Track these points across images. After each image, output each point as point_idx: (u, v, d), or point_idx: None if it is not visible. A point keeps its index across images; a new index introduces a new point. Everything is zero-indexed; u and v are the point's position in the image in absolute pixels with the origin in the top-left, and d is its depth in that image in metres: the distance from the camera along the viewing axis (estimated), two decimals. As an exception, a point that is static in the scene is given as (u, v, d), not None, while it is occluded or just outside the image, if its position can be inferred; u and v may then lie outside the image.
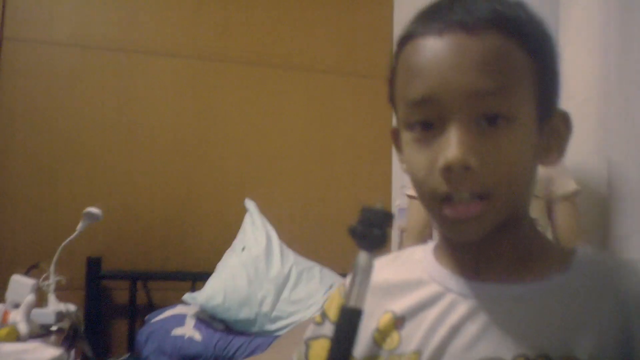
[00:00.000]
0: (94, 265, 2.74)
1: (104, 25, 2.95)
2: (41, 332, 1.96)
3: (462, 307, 0.76)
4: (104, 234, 2.79)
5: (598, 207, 1.90)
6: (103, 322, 2.81)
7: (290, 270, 2.68)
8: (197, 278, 2.75)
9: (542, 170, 1.75)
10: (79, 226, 2.44)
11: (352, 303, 0.64)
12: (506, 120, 0.70)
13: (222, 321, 2.53)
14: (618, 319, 0.71)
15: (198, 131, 3.03)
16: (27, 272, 2.18)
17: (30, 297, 1.87)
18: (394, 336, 0.79)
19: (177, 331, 2.48)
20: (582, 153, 1.93)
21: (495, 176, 0.70)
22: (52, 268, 2.48)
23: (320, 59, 3.25)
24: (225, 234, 2.79)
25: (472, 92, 0.70)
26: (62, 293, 2.55)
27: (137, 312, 2.79)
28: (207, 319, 2.54)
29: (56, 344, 1.88)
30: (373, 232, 0.64)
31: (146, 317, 2.68)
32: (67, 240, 2.45)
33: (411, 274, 0.82)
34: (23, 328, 1.77)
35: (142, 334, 2.54)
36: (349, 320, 0.64)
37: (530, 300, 0.74)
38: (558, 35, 2.00)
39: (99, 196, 2.80)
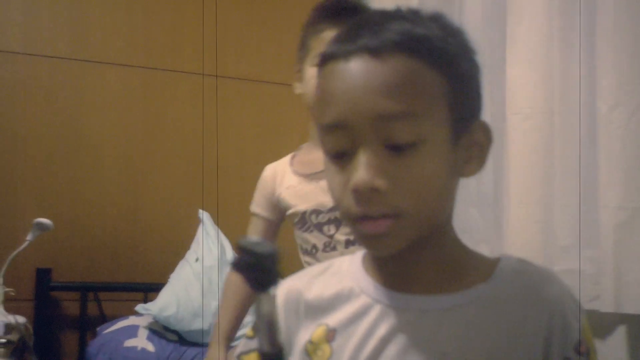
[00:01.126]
0: (43, 276, 2.71)
1: (53, 33, 2.93)
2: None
3: (391, 319, 0.77)
4: (53, 245, 2.74)
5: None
6: (53, 334, 2.76)
7: (244, 281, 2.68)
8: (149, 289, 2.73)
9: None
10: (29, 236, 2.39)
11: (267, 349, 0.63)
12: (414, 145, 0.72)
13: (175, 332, 2.53)
14: (542, 327, 0.74)
15: (148, 142, 3.01)
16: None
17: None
18: (325, 349, 0.80)
19: (130, 342, 2.46)
20: (525, 167, 1.99)
21: (404, 197, 0.72)
22: (0, 279, 2.44)
23: (270, 71, 3.26)
24: (176, 245, 2.78)
25: (377, 116, 0.71)
26: (11, 305, 2.51)
27: (88, 324, 2.75)
28: (160, 330, 2.53)
29: (4, 356, 1.86)
30: (264, 274, 0.62)
31: (98, 329, 2.65)
32: (17, 251, 2.40)
33: (342, 286, 0.83)
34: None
35: (93, 345, 2.51)
36: None
37: (455, 311, 0.76)
38: (504, 51, 2.07)
39: (48, 207, 2.75)
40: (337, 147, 0.74)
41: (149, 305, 2.52)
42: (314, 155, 1.50)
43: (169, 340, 2.50)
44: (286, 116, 3.25)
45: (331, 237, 1.56)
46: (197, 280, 2.58)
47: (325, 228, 1.56)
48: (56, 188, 2.84)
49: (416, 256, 0.78)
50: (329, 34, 1.48)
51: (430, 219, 0.76)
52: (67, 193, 2.85)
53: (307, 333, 0.83)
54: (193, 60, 3.11)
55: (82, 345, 2.71)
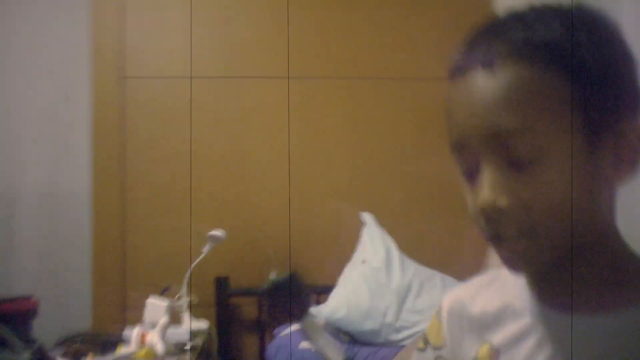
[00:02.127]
0: (222, 284, 2.87)
1: (210, 56, 3.10)
2: (176, 351, 2.08)
3: (551, 343, 0.74)
4: (229, 255, 2.91)
5: None
6: (234, 337, 2.93)
7: (411, 280, 2.68)
8: (321, 291, 2.81)
9: None
10: (205, 248, 2.57)
11: None
12: (535, 159, 0.67)
13: (347, 333, 2.58)
14: None
15: (307, 147, 3.11)
16: (161, 294, 2.31)
17: (165, 319, 1.99)
18: None
19: (305, 344, 2.54)
20: None
21: (532, 215, 0.68)
22: (184, 288, 2.63)
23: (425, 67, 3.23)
24: (344, 248, 2.84)
25: (493, 133, 0.68)
26: (195, 311, 2.69)
27: (265, 327, 2.88)
28: (333, 331, 2.59)
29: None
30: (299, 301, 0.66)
31: (274, 331, 2.77)
32: (195, 262, 2.58)
33: (507, 301, 0.80)
34: (160, 348, 1.89)
35: (271, 348, 2.62)
36: None
37: (611, 333, 0.71)
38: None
39: (221, 220, 2.93)
40: (466, 166, 0.73)
41: (321, 307, 2.59)
42: None
43: (342, 341, 2.55)
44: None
45: None
46: (365, 282, 2.62)
47: None
48: (228, 201, 3.01)
49: (574, 272, 0.73)
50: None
51: (567, 235, 0.70)
52: (238, 205, 3.01)
53: (473, 348, 0.82)
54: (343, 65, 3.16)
55: (262, 347, 2.84)
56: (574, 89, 0.68)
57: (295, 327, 2.64)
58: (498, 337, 0.79)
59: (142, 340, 1.94)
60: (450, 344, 0.86)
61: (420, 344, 0.90)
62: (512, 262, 0.72)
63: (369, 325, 2.54)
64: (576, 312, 0.73)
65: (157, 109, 3.05)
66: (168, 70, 3.06)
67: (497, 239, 0.71)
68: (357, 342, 2.56)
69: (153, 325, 2.07)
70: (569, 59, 0.68)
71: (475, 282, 0.88)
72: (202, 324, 2.59)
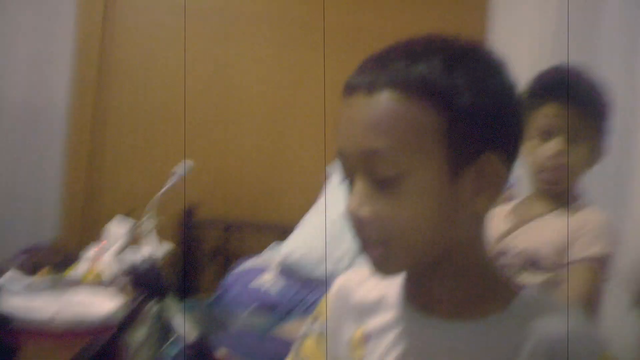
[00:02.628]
0: (189, 213, 2.96)
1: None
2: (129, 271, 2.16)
3: (406, 341, 0.81)
4: (200, 184, 2.98)
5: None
6: (196, 266, 3.04)
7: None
8: (283, 232, 2.90)
9: (556, 237, 1.61)
10: (172, 179, 2.63)
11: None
12: (396, 178, 0.74)
13: (300, 276, 2.67)
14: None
15: (293, 92, 3.14)
16: (127, 215, 2.39)
17: (119, 242, 2.07)
18: (361, 350, 0.86)
19: (256, 282, 2.63)
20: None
21: (387, 227, 0.75)
22: (151, 213, 2.70)
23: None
24: (308, 195, 2.91)
25: (361, 150, 0.75)
26: (160, 237, 2.78)
27: (227, 259, 2.99)
28: (286, 272, 2.67)
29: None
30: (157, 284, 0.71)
31: (232, 266, 2.87)
32: (162, 190, 2.64)
33: (384, 293, 0.88)
34: (108, 272, 1.98)
35: (224, 282, 2.72)
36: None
37: (465, 340, 0.78)
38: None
39: (195, 149, 2.99)
40: (344, 175, 0.80)
41: (278, 248, 2.67)
42: (527, 205, 1.75)
43: (294, 283, 2.63)
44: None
45: None
46: (323, 230, 2.68)
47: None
48: (203, 131, 3.06)
49: (435, 280, 0.81)
50: (547, 110, 1.63)
51: (427, 248, 0.77)
52: (213, 137, 3.06)
53: (351, 330, 0.89)
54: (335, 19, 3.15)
55: (220, 277, 2.95)
56: (440, 120, 0.74)
57: (251, 263, 2.71)
58: (370, 324, 0.87)
59: (94, 262, 2.02)
60: (332, 322, 0.94)
61: (311, 318, 0.98)
62: (374, 265, 0.80)
63: (322, 270, 2.62)
64: (437, 316, 0.81)
65: (146, 25, 3.06)
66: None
67: (361, 243, 0.79)
68: (309, 285, 2.65)
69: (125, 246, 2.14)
70: (436, 92, 0.74)
71: (364, 269, 0.93)
72: (165, 247, 2.68)
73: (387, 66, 0.76)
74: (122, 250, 2.07)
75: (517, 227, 1.73)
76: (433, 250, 0.78)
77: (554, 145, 1.63)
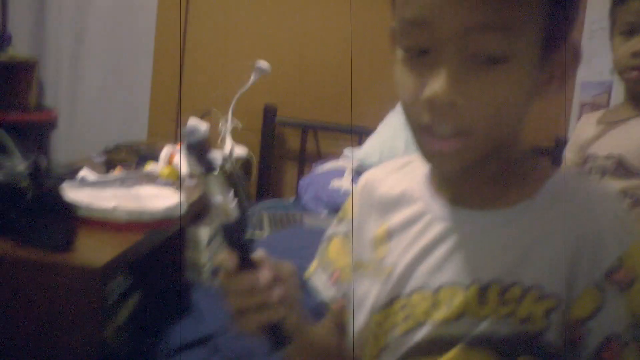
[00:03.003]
0: (269, 112, 2.97)
1: None
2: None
3: (435, 230, 0.76)
4: (280, 86, 2.98)
5: None
6: (276, 166, 3.07)
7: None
8: (364, 133, 2.87)
9: None
10: (251, 78, 2.63)
11: (224, 221, 0.72)
12: (502, 61, 0.64)
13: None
14: (569, 249, 0.69)
15: None
16: (201, 118, 2.42)
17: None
18: (384, 247, 0.81)
19: (335, 183, 2.65)
20: None
21: (479, 115, 0.65)
22: (229, 114, 2.74)
23: None
24: (386, 100, 2.83)
25: (467, 24, 0.63)
26: (239, 138, 2.83)
27: (306, 160, 3.00)
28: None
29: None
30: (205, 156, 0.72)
31: (313, 165, 2.88)
32: (242, 90, 2.66)
33: (409, 187, 0.82)
34: (184, 169, 2.02)
35: (303, 182, 2.75)
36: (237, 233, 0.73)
37: (495, 227, 0.73)
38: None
39: (276, 49, 2.97)
40: (417, 45, 0.67)
41: (356, 150, 2.66)
42: (619, 108, 1.67)
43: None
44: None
45: None
46: (404, 131, 2.64)
47: (594, 172, 1.63)
48: (283, 33, 3.01)
49: (474, 171, 0.73)
50: (634, 4, 1.53)
51: (499, 139, 0.69)
52: (293, 38, 3.01)
53: (375, 227, 0.85)
54: None
55: (299, 178, 2.98)
56: (549, 4, 0.66)
57: (330, 165, 2.72)
58: (394, 219, 0.82)
59: (170, 160, 2.06)
60: (357, 220, 0.88)
61: (337, 218, 0.93)
62: (437, 160, 0.71)
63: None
64: (466, 207, 0.76)
65: None
66: None
67: (429, 132, 0.68)
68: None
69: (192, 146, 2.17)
70: None
71: (391, 163, 0.90)
72: (241, 150, 2.72)
73: None
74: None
75: (605, 131, 1.67)
76: (498, 142, 0.70)
77: (636, 44, 1.52)
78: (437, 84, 0.64)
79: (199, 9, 3.03)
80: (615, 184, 1.58)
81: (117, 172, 1.97)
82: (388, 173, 0.87)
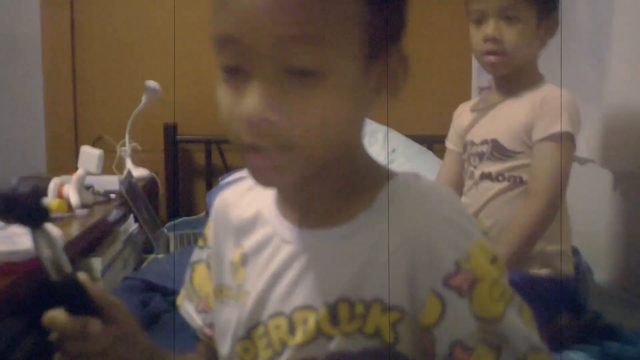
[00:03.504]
0: (169, 131, 2.91)
1: None
2: (101, 200, 2.15)
3: (284, 253, 0.75)
4: (178, 103, 2.91)
5: None
6: (183, 184, 3.02)
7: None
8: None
9: (516, 120, 1.57)
10: (143, 98, 2.58)
11: (56, 279, 0.69)
12: (318, 75, 0.63)
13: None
14: (405, 256, 0.68)
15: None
16: (92, 145, 2.36)
17: (81, 170, 2.03)
18: (241, 272, 0.80)
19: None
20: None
21: (299, 130, 0.64)
22: (127, 137, 2.68)
23: None
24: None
25: (276, 38, 0.62)
26: (143, 160, 2.77)
27: (213, 174, 2.96)
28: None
29: (110, 210, 2.07)
30: (33, 212, 0.67)
31: (219, 178, 2.84)
32: (135, 111, 2.60)
33: (260, 209, 0.81)
34: (74, 201, 1.96)
35: (210, 195, 2.70)
36: (70, 290, 0.70)
37: (337, 243, 0.72)
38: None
39: (170, 67, 2.91)
40: (230, 63, 0.66)
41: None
42: (490, 95, 1.73)
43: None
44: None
45: (474, 167, 1.68)
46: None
47: (472, 158, 1.70)
48: (179, 49, 2.95)
49: (311, 188, 0.73)
50: None
51: (326, 153, 0.68)
52: (191, 53, 2.96)
53: (231, 252, 0.82)
54: None
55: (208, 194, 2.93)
56: (363, 4, 0.64)
57: (235, 176, 2.67)
58: (248, 242, 0.80)
59: (59, 191, 1.99)
60: (215, 244, 0.86)
61: (200, 243, 0.91)
62: (261, 175, 0.70)
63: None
64: (310, 227, 0.74)
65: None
66: None
67: (251, 150, 0.66)
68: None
69: (87, 174, 2.10)
70: None
71: (244, 183, 0.86)
72: (141, 172, 2.66)
73: None
74: (83, 179, 2.03)
75: (478, 118, 1.71)
76: (336, 153, 0.69)
77: (485, 29, 1.58)
78: (250, 101, 0.63)
79: (85, 32, 2.95)
80: (493, 167, 1.62)
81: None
82: (241, 194, 0.85)
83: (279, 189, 0.75)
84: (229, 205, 0.85)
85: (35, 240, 0.67)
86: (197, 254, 0.90)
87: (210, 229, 0.88)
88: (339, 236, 0.72)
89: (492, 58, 1.60)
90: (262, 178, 0.70)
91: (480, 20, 1.61)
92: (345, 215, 0.72)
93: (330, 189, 0.74)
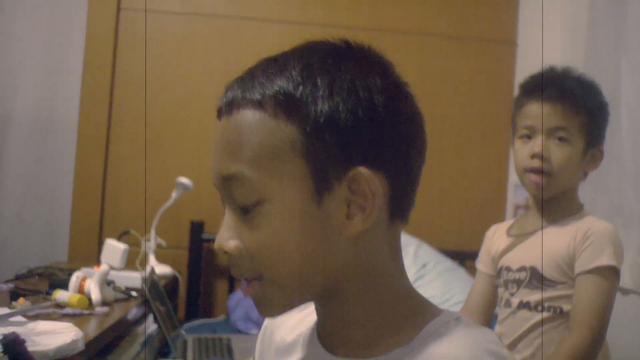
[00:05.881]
0: (196, 229, 2.87)
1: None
2: (122, 297, 2.08)
3: None
4: (205, 201, 2.90)
5: None
6: (205, 284, 2.95)
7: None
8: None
9: (557, 250, 1.52)
10: (173, 194, 2.56)
11: None
12: (257, 204, 0.67)
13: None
14: None
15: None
16: (118, 239, 2.31)
17: (105, 266, 1.98)
18: None
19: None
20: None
21: (256, 259, 0.68)
22: (152, 232, 2.64)
23: (433, 22, 3.09)
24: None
25: (219, 177, 0.70)
26: (166, 256, 2.72)
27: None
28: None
29: (130, 308, 2.00)
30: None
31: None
32: (164, 207, 2.58)
33: (301, 334, 0.80)
34: (95, 297, 1.89)
35: (232, 299, 2.64)
36: None
37: None
38: None
39: (205, 163, 2.91)
40: (222, 206, 0.73)
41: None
42: (528, 219, 1.66)
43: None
44: (449, 72, 3.08)
45: (511, 294, 1.61)
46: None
47: (509, 285, 1.62)
48: (208, 147, 2.96)
49: (335, 316, 0.73)
50: (529, 108, 1.57)
51: (299, 279, 0.69)
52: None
53: None
54: (348, 13, 3.04)
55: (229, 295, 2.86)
56: (300, 136, 0.66)
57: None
58: None
59: (80, 287, 1.93)
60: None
61: (251, 359, 0.94)
62: (255, 304, 0.73)
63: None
64: (342, 356, 0.73)
65: (152, 45, 2.99)
66: (164, 4, 3.00)
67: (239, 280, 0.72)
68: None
69: (111, 267, 2.05)
70: (297, 106, 0.67)
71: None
72: (164, 269, 2.60)
73: (246, 83, 0.70)
74: (106, 274, 1.97)
75: (516, 243, 1.66)
76: (315, 281, 0.70)
77: (533, 146, 1.55)
78: (217, 236, 0.71)
79: (121, 124, 2.97)
80: (532, 297, 1.55)
81: (20, 304, 1.82)
82: (290, 314, 0.83)
83: (273, 315, 0.76)
84: (276, 324, 0.86)
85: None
86: None
87: (257, 347, 0.90)
88: None
89: (536, 177, 1.56)
90: (256, 307, 0.73)
91: (529, 137, 1.58)
92: (379, 349, 0.71)
93: (359, 319, 0.72)
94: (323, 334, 0.77)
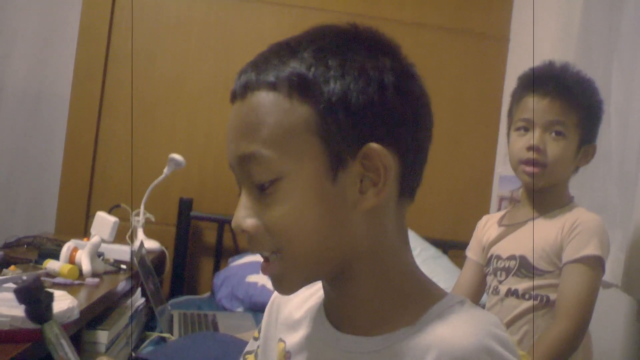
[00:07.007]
0: (185, 206, 2.88)
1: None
2: (111, 270, 2.09)
3: (324, 356, 0.77)
4: (195, 179, 2.91)
5: None
6: (191, 260, 2.96)
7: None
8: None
9: (546, 240, 1.56)
10: (165, 170, 2.57)
11: None
12: (274, 182, 0.70)
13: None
14: None
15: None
16: (109, 212, 2.31)
17: (96, 237, 1.99)
18: None
19: (252, 278, 2.56)
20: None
21: (275, 236, 0.71)
22: (142, 207, 2.65)
23: (428, 13, 3.11)
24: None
25: (237, 158, 0.72)
26: (154, 231, 2.73)
27: (222, 254, 2.91)
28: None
29: (119, 281, 2.01)
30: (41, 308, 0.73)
31: (229, 260, 2.79)
32: (155, 182, 2.59)
33: (310, 309, 0.83)
34: (85, 267, 1.90)
35: (218, 277, 2.65)
36: None
37: (375, 355, 0.72)
38: None
39: (196, 141, 2.92)
40: (237, 187, 0.76)
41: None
42: (519, 210, 1.71)
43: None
44: (442, 64, 3.11)
45: (500, 282, 1.65)
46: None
47: (498, 273, 1.66)
48: (205, 124, 2.98)
49: (344, 293, 0.76)
50: (528, 101, 1.60)
51: (316, 255, 0.72)
52: (215, 129, 2.97)
53: (277, 346, 0.85)
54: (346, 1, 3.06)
55: (214, 273, 2.87)
56: (314, 115, 0.69)
57: (246, 259, 2.63)
58: (291, 340, 0.83)
59: (72, 257, 1.94)
60: (263, 337, 0.91)
61: (255, 333, 0.95)
62: (272, 281, 0.75)
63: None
64: (350, 332, 0.75)
65: (147, 22, 2.99)
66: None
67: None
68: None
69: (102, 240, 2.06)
70: (310, 86, 0.69)
71: None
72: (153, 244, 2.62)
73: (260, 67, 0.72)
74: (98, 246, 1.98)
75: (506, 233, 1.70)
76: (330, 257, 0.73)
77: (529, 139, 1.59)
78: (235, 213, 0.73)
79: (113, 99, 2.97)
80: (520, 285, 1.59)
81: (11, 271, 1.83)
82: (297, 293, 0.85)
83: (290, 291, 0.77)
84: (284, 300, 0.88)
85: (45, 333, 0.74)
86: (250, 345, 0.95)
87: (263, 321, 0.92)
88: (377, 345, 0.73)
89: (531, 168, 1.60)
90: (273, 284, 0.76)
91: (526, 129, 1.61)
92: (386, 327, 0.73)
93: (367, 298, 0.75)
94: (330, 311, 0.79)
